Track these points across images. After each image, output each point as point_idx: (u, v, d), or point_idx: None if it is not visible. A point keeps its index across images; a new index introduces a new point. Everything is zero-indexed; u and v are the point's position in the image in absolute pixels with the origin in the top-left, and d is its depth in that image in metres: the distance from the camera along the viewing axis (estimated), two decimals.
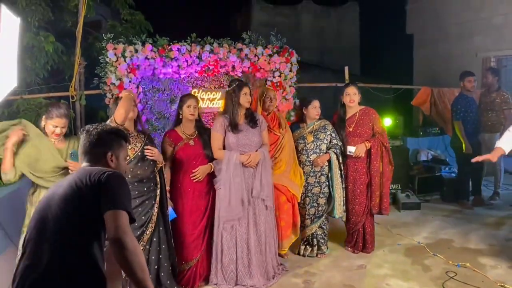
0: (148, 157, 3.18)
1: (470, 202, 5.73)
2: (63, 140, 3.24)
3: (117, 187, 1.80)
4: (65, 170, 3.10)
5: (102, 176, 1.79)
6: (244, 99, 3.55)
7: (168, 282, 3.29)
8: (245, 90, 3.56)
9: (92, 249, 1.74)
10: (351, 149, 4.10)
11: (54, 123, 3.12)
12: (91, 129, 2.01)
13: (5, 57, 1.26)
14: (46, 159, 3.08)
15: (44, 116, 3.17)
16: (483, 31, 8.00)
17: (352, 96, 4.13)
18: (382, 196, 4.17)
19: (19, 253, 2.89)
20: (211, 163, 3.59)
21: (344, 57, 11.96)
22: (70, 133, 3.91)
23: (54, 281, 1.67)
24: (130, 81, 4.56)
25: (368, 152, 4.12)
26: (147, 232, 3.16)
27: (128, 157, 3.14)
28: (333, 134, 4.14)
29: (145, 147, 3.19)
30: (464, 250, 4.25)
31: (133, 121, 3.26)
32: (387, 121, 6.35)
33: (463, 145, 5.44)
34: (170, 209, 3.40)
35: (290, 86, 5.17)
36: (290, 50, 5.16)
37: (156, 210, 3.22)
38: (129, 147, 3.16)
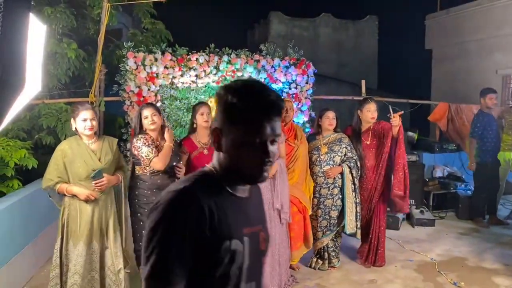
0: (177, 175, 3.24)
1: (486, 220, 5.64)
2: (97, 140, 3.17)
3: None
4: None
5: None
6: None
7: None
8: None
9: None
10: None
11: (83, 116, 3.06)
12: None
13: (33, 62, 1.32)
14: (81, 163, 3.06)
15: (72, 119, 3.13)
16: (503, 48, 7.91)
17: (373, 113, 4.12)
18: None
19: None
20: None
21: (361, 71, 11.95)
22: None
23: None
24: (148, 89, 4.65)
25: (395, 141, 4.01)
26: None
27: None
28: (349, 148, 4.11)
29: (176, 165, 3.23)
30: (478, 269, 4.18)
31: (159, 130, 3.28)
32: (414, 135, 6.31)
33: (474, 162, 5.43)
34: None
35: (305, 98, 5.19)
36: (307, 62, 5.18)
37: None
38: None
